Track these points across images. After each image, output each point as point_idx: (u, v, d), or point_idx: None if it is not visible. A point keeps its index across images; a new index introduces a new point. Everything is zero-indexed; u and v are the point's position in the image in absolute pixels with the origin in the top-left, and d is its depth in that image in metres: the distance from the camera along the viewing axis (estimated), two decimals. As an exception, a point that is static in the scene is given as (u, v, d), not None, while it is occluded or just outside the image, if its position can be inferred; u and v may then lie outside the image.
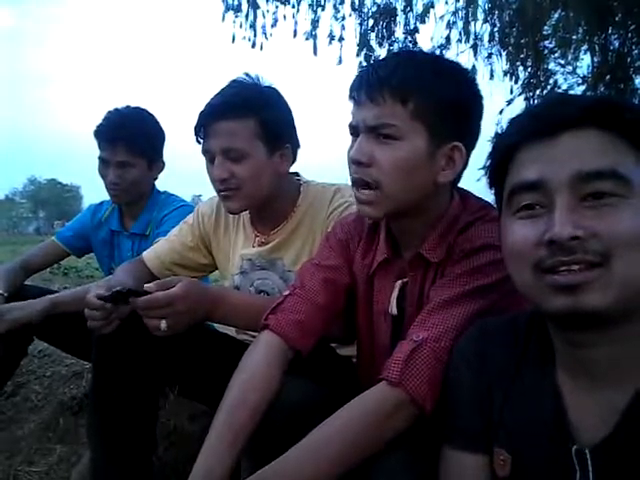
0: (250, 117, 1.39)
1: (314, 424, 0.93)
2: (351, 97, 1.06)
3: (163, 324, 1.18)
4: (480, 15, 4.61)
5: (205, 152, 1.43)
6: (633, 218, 0.68)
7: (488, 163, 0.84)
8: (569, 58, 5.42)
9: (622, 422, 0.71)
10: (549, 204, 0.72)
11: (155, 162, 2.04)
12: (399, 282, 1.14)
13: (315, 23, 5.37)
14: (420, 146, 1.01)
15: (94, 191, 2.28)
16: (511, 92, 4.89)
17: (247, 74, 1.47)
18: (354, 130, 1.05)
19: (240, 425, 1.00)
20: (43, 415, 2.12)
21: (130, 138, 1.92)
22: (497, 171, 0.82)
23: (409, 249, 1.12)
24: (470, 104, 1.05)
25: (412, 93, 0.99)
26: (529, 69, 4.99)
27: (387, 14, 4.89)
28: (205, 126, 1.41)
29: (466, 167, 1.09)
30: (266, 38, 5.92)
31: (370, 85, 1.01)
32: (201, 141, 1.44)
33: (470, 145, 1.07)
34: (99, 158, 1.97)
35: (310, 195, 1.52)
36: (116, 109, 2.00)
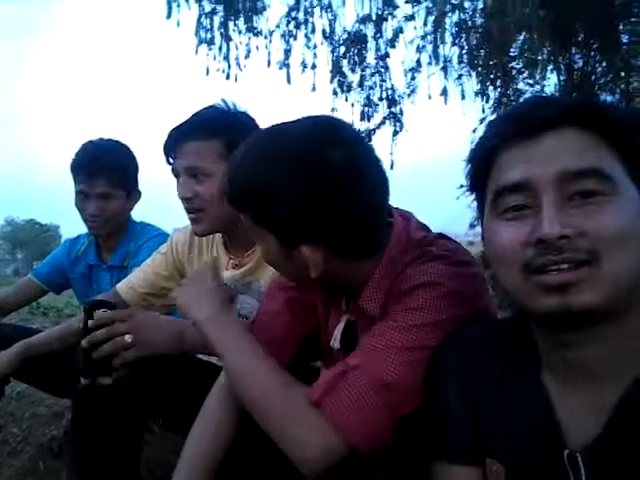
0: (215, 138, 1.40)
1: None
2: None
3: (128, 337, 1.21)
4: (448, 38, 4.73)
5: (173, 171, 1.44)
6: (619, 216, 0.68)
7: (468, 167, 0.83)
8: (537, 78, 5.55)
9: (611, 421, 0.70)
10: (535, 204, 0.71)
11: (132, 192, 2.04)
12: (345, 317, 1.10)
13: (288, 52, 5.46)
14: (272, 248, 1.00)
15: (73, 229, 2.25)
16: (483, 111, 5.00)
17: (223, 100, 1.49)
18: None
19: (207, 443, 1.04)
20: (23, 459, 2.04)
21: (109, 170, 1.92)
22: (478, 175, 0.81)
23: (351, 294, 1.08)
24: (318, 205, 0.92)
25: (244, 204, 0.99)
26: (499, 89, 5.11)
27: (358, 41, 5.00)
28: (172, 146, 1.42)
29: (355, 247, 0.99)
30: (240, 69, 5.99)
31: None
32: (172, 162, 1.45)
33: (333, 240, 0.96)
34: (77, 192, 1.95)
35: None
36: (90, 141, 1.99)
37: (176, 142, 1.41)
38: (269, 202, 0.93)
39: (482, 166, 0.79)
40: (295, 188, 0.91)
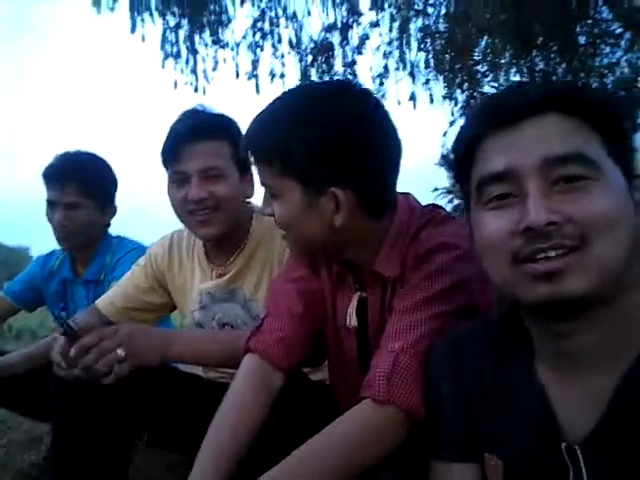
0: (225, 139, 1.40)
1: None
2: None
3: (120, 351, 1.17)
4: (414, 43, 4.80)
5: (177, 174, 1.40)
6: (605, 199, 0.67)
7: (452, 158, 0.83)
8: (501, 80, 5.68)
9: (610, 409, 0.69)
10: (520, 192, 0.70)
11: (107, 206, 1.98)
12: (357, 295, 1.11)
13: (255, 63, 5.46)
14: (295, 198, 1.01)
15: (45, 251, 2.17)
16: (452, 114, 5.08)
17: (201, 105, 1.48)
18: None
19: (222, 448, 0.97)
20: (0, 486, 1.96)
21: (81, 178, 1.86)
22: (462, 165, 0.80)
23: (363, 265, 1.10)
24: (344, 148, 0.97)
25: (272, 155, 1.00)
26: (466, 92, 5.20)
27: (325, 49, 5.03)
28: (178, 148, 1.38)
29: (370, 202, 1.02)
30: (208, 82, 5.96)
31: (247, 150, 1.07)
32: (168, 166, 1.42)
33: (354, 185, 1.00)
34: (47, 201, 1.88)
35: (265, 222, 1.50)
36: (67, 151, 1.93)
37: (185, 143, 1.37)
38: (297, 146, 0.97)
39: (465, 157, 0.78)
40: (323, 128, 0.96)
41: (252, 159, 1.05)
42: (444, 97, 5.11)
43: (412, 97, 4.86)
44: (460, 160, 0.80)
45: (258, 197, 1.51)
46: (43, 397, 1.28)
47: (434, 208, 1.13)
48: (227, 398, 1.04)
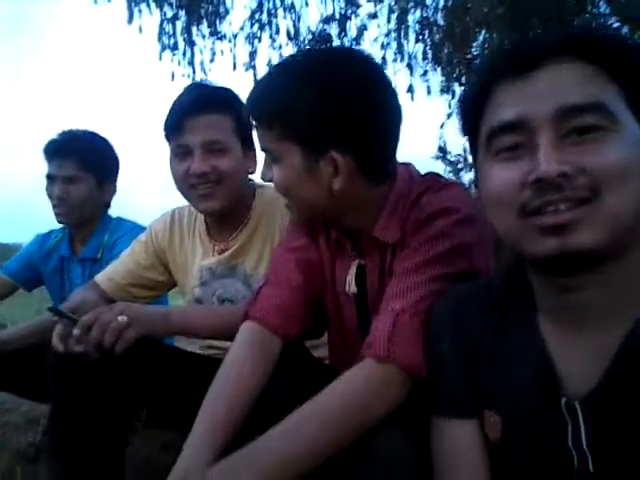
0: (228, 113, 1.39)
1: None
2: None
3: (121, 317, 1.17)
4: (412, 35, 4.79)
5: (179, 147, 1.39)
6: (619, 151, 0.65)
7: (461, 109, 0.81)
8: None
9: (612, 367, 0.68)
10: (531, 143, 0.68)
11: (106, 183, 1.98)
12: (356, 262, 1.12)
13: (253, 55, 5.42)
14: (295, 162, 1.01)
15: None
16: (449, 107, 5.06)
17: (203, 80, 1.50)
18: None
19: (222, 415, 0.95)
20: (-1, 466, 1.96)
21: (80, 152, 1.88)
22: (471, 116, 0.78)
23: (362, 232, 1.10)
24: (342, 111, 0.97)
25: (272, 117, 1.00)
26: (464, 85, 5.19)
27: (322, 40, 5.00)
28: (181, 121, 1.37)
29: (369, 166, 1.02)
30: (205, 74, 5.91)
31: (249, 112, 1.06)
32: (171, 139, 1.41)
33: (354, 149, 1.00)
34: (47, 176, 1.90)
35: (265, 197, 1.50)
36: (62, 131, 1.95)
37: (188, 116, 1.36)
38: (297, 109, 0.97)
39: (475, 106, 0.76)
40: (323, 91, 0.96)
41: (253, 123, 1.05)
42: (442, 90, 5.09)
43: (410, 89, 4.84)
44: (470, 111, 0.78)
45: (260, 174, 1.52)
46: (40, 378, 1.28)
47: (435, 176, 1.13)
48: (224, 367, 1.03)
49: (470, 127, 0.79)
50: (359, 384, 0.88)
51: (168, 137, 1.42)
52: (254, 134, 1.44)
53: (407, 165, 1.13)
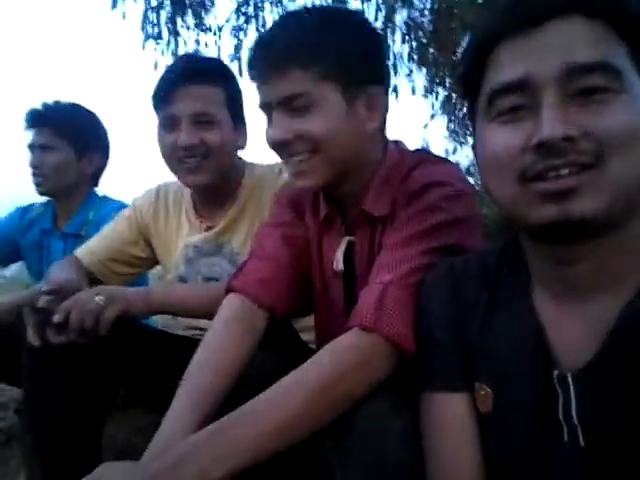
0: (219, 85, 1.35)
1: None
2: (254, 75, 1.00)
3: (98, 298, 1.15)
4: (398, 35, 4.82)
5: (167, 118, 1.34)
6: (626, 114, 0.62)
7: (460, 69, 0.77)
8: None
9: (610, 340, 0.67)
10: (534, 104, 0.64)
11: (87, 153, 1.92)
12: (345, 239, 1.09)
13: (238, 47, 5.38)
14: (336, 104, 0.97)
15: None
16: (433, 107, 5.11)
17: (197, 50, 1.47)
18: (267, 109, 1.00)
19: (203, 386, 0.91)
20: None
21: (56, 121, 1.85)
22: (471, 75, 0.73)
23: (351, 207, 1.08)
24: (370, 45, 1.01)
25: (309, 57, 0.95)
26: (448, 87, 5.24)
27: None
28: (170, 91, 1.33)
29: (388, 110, 1.06)
30: (189, 64, 5.88)
31: (270, 59, 0.96)
32: (159, 109, 1.37)
33: (385, 85, 1.04)
34: (27, 146, 1.87)
35: (255, 175, 1.47)
36: (43, 102, 1.90)
37: (178, 85, 1.32)
38: (333, 45, 0.95)
39: (475, 65, 0.71)
40: (351, 29, 0.98)
41: (274, 69, 0.95)
42: (426, 91, 5.14)
43: (394, 89, 4.87)
44: (470, 69, 0.73)
45: (250, 150, 1.49)
46: (11, 360, 1.24)
47: (425, 151, 1.12)
48: (206, 339, 0.98)
49: (470, 87, 0.75)
50: (343, 353, 0.84)
51: (156, 107, 1.37)
52: (244, 107, 1.42)
53: (396, 142, 1.12)
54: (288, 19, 1.02)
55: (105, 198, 1.98)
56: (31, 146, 1.86)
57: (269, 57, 0.97)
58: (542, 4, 0.65)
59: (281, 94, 0.96)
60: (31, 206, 2.03)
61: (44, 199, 1.97)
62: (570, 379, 0.69)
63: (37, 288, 1.58)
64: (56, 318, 1.14)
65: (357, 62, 0.97)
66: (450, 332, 0.83)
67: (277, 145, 1.00)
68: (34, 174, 1.85)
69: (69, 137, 1.86)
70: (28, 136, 1.87)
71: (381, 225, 1.04)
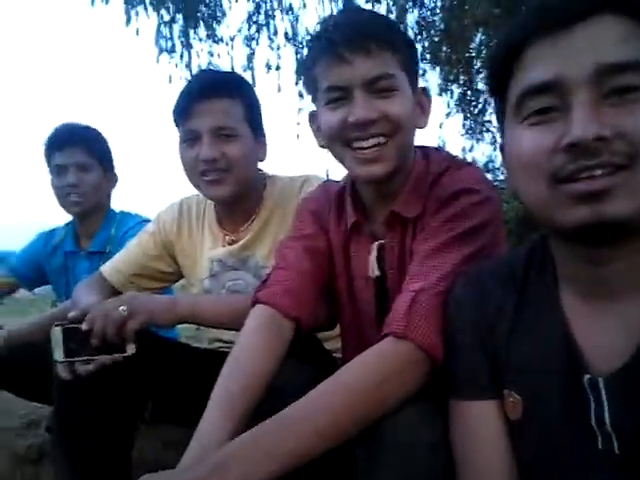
0: (238, 98, 1.37)
1: None
2: (332, 54, 0.97)
3: (122, 308, 1.17)
4: (410, 35, 4.80)
5: (188, 133, 1.36)
6: None
7: (488, 69, 0.76)
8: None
9: None
10: (565, 106, 0.63)
11: (110, 172, 1.98)
12: (376, 244, 1.09)
13: (251, 56, 5.42)
14: (409, 94, 1.01)
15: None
16: (448, 106, 5.07)
17: (214, 65, 1.49)
18: (342, 92, 0.98)
19: (235, 394, 0.91)
20: (-2, 468, 1.89)
21: (87, 141, 1.90)
22: (500, 76, 0.72)
23: (380, 211, 1.08)
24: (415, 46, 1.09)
25: (396, 43, 0.99)
26: (463, 85, 5.20)
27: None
28: (191, 106, 1.34)
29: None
30: (203, 76, 5.92)
31: (356, 40, 0.95)
32: (180, 124, 1.38)
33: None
34: (53, 167, 1.89)
35: (277, 188, 1.47)
36: (63, 123, 1.94)
37: (197, 101, 1.33)
38: (404, 39, 1.04)
39: (504, 65, 0.70)
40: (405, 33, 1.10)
41: (362, 50, 0.95)
42: (440, 89, 5.11)
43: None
44: (498, 70, 0.72)
45: (270, 162, 1.49)
46: (43, 377, 1.25)
47: (448, 155, 1.12)
48: (236, 349, 0.99)
49: (498, 88, 0.74)
50: (377, 361, 0.85)
51: (177, 122, 1.39)
52: (263, 119, 1.42)
53: (422, 147, 1.13)
54: (356, 11, 1.11)
55: (124, 213, 2.01)
56: (63, 166, 1.87)
57: (355, 38, 0.96)
58: (571, 5, 0.64)
59: (369, 74, 0.96)
60: (53, 231, 2.06)
61: (63, 222, 2.01)
62: (602, 384, 0.67)
63: (63, 307, 1.59)
64: (84, 326, 1.17)
65: (416, 61, 1.05)
66: (477, 340, 0.82)
67: (360, 124, 0.98)
68: (72, 193, 1.87)
69: (99, 157, 1.92)
70: (55, 157, 1.89)
71: (412, 226, 1.05)
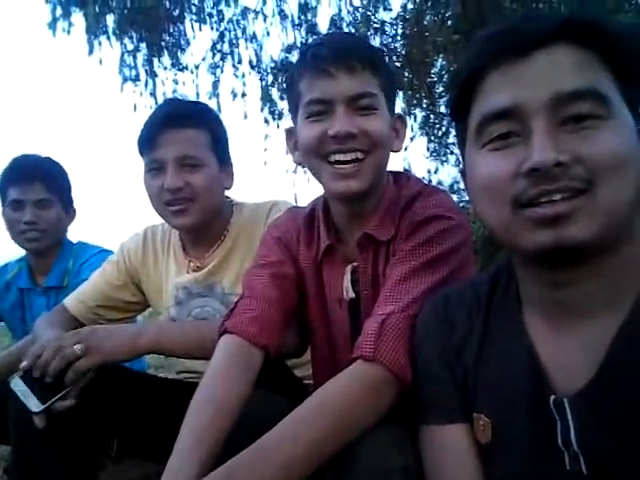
0: (204, 128, 1.36)
1: None
2: (317, 69, 1.00)
3: (76, 347, 1.12)
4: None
5: (153, 162, 1.35)
6: (615, 140, 0.62)
7: (449, 94, 0.78)
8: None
9: (605, 362, 0.65)
10: (524, 132, 0.65)
11: (69, 207, 1.92)
12: (349, 266, 1.10)
13: (216, 83, 5.44)
14: (386, 115, 1.04)
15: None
16: (412, 129, 5.18)
17: (182, 94, 1.49)
18: (325, 105, 1.00)
19: (204, 424, 0.89)
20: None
21: (47, 176, 1.82)
22: (459, 102, 0.73)
23: (353, 233, 1.09)
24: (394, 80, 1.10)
25: (378, 66, 1.03)
26: (425, 109, 5.32)
27: (285, 69, 5.06)
28: (155, 136, 1.33)
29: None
30: (167, 105, 5.90)
31: (344, 57, 0.99)
32: (145, 154, 1.37)
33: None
34: (9, 202, 1.80)
35: (244, 214, 1.47)
36: (22, 155, 1.86)
37: (161, 130, 1.33)
38: (385, 66, 1.09)
39: (464, 91, 0.71)
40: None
41: (347, 67, 0.99)
42: (404, 113, 5.21)
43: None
44: (458, 96, 0.73)
45: (237, 188, 1.49)
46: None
47: (419, 180, 1.14)
48: (205, 379, 0.97)
49: (458, 115, 0.75)
50: (347, 384, 0.85)
51: (142, 152, 1.38)
52: (229, 149, 1.42)
53: (394, 172, 1.15)
54: (340, 34, 1.13)
55: (82, 244, 1.95)
56: (21, 202, 1.79)
57: (340, 55, 0.99)
58: (528, 33, 0.66)
59: (352, 90, 0.99)
60: (5, 267, 1.97)
61: (15, 257, 1.92)
62: (567, 404, 0.67)
63: (22, 343, 1.54)
64: (23, 364, 1.12)
65: (394, 88, 1.08)
66: (445, 366, 0.82)
67: (340, 137, 0.99)
68: (30, 230, 1.79)
69: (58, 192, 1.85)
70: (11, 192, 1.80)
71: (384, 249, 1.06)
